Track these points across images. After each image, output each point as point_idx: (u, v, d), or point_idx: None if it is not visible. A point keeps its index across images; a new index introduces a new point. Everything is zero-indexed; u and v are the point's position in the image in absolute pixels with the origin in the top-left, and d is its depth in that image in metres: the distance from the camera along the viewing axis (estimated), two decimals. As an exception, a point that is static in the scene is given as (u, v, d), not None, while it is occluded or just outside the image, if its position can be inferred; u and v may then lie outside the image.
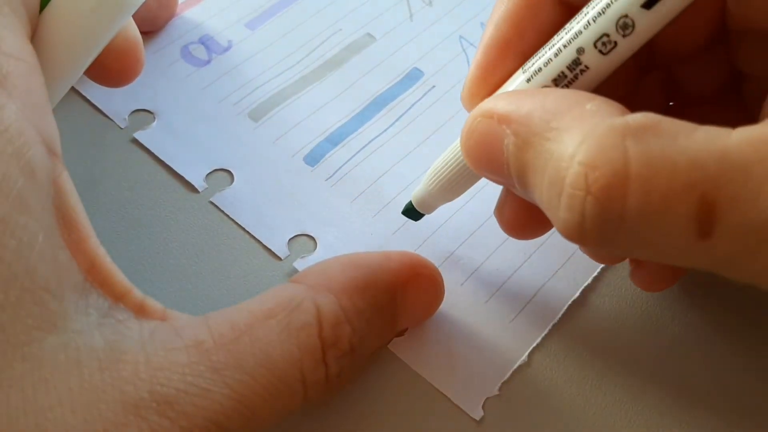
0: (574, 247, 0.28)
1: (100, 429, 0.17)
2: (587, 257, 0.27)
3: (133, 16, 0.24)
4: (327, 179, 0.30)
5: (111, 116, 0.31)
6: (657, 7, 0.19)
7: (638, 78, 0.26)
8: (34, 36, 0.21)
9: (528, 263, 0.28)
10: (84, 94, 0.31)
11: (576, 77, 0.21)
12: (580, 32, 0.21)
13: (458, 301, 0.27)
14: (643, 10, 0.19)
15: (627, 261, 0.27)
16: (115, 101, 0.31)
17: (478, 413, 0.24)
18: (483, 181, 0.25)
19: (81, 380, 0.17)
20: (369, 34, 0.35)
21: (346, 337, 0.21)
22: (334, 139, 0.31)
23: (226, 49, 0.34)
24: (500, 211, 0.25)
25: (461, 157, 0.24)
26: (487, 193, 0.28)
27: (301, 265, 0.27)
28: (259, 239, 0.28)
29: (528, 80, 0.22)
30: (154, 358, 0.18)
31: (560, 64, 0.21)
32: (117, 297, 0.19)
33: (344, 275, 0.22)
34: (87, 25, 0.22)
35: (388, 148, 0.31)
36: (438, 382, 0.25)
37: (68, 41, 0.21)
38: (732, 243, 0.17)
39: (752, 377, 0.26)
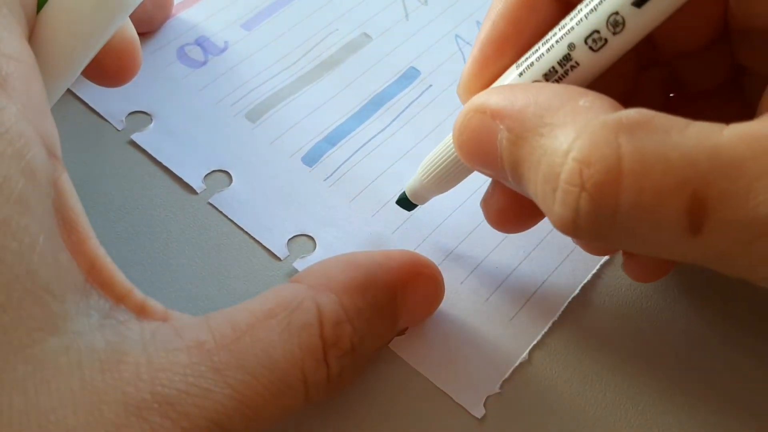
0: (573, 245, 0.28)
1: (101, 430, 0.17)
2: (587, 254, 0.27)
3: (129, 17, 0.24)
4: (325, 179, 0.30)
5: (108, 118, 0.31)
6: (648, 6, 0.19)
7: (639, 73, 0.26)
8: (32, 36, 0.21)
9: (528, 261, 0.28)
10: (81, 96, 0.31)
11: (566, 73, 0.21)
12: (573, 28, 0.21)
13: (459, 299, 0.27)
14: (634, 8, 0.19)
15: (621, 253, 0.27)
16: (111, 103, 0.31)
17: (479, 411, 0.24)
18: (482, 179, 0.25)
19: (82, 381, 0.17)
20: (365, 34, 0.35)
21: (347, 336, 0.21)
22: (332, 139, 0.31)
23: (223, 50, 0.34)
24: (486, 203, 0.26)
25: (454, 151, 0.24)
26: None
27: (300, 265, 0.27)
28: (259, 240, 0.28)
29: (520, 74, 0.22)
30: (156, 358, 0.18)
31: (551, 59, 0.21)
32: (118, 298, 0.19)
33: (344, 275, 0.22)
34: (84, 26, 0.21)
35: (386, 148, 0.31)
36: (439, 380, 0.25)
37: (65, 41, 0.21)
38: (722, 239, 0.17)
39: (753, 376, 0.26)
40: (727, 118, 0.18)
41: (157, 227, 0.28)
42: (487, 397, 0.25)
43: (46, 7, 0.21)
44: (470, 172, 0.25)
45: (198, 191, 0.29)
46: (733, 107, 0.25)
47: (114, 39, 0.24)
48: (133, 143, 0.30)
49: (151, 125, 0.31)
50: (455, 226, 0.29)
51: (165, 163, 0.30)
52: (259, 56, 0.34)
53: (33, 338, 0.17)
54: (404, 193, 0.27)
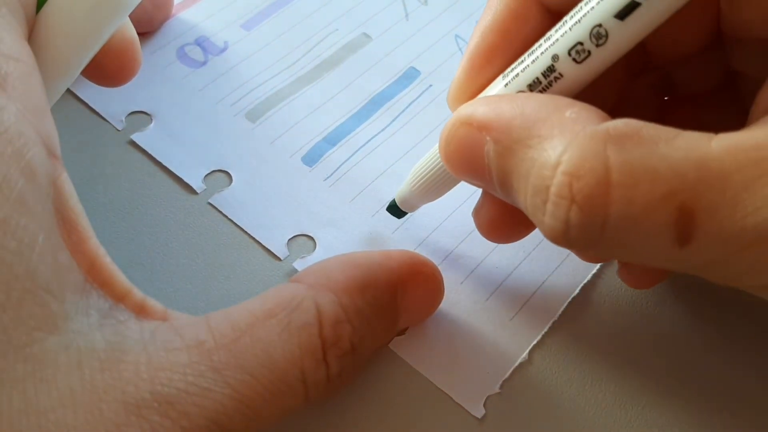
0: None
1: (101, 429, 0.17)
2: (586, 255, 0.27)
3: (129, 17, 0.24)
4: (325, 179, 0.30)
5: (108, 118, 0.31)
6: (630, 19, 0.19)
7: (633, 78, 0.26)
8: (31, 36, 0.21)
9: (527, 261, 0.28)
10: (80, 96, 0.31)
11: (550, 84, 0.21)
12: (557, 40, 0.21)
13: (458, 299, 0.27)
14: (617, 21, 0.20)
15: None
16: (111, 103, 0.31)
17: (479, 411, 0.24)
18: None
19: (82, 381, 0.17)
20: (365, 34, 0.35)
21: (347, 336, 0.21)
22: (332, 139, 0.31)
23: (223, 50, 0.34)
24: (477, 214, 0.26)
25: (441, 161, 0.24)
26: (485, 191, 0.28)
27: (300, 265, 0.27)
28: (259, 240, 0.28)
29: (506, 85, 0.22)
30: (155, 358, 0.18)
31: (536, 70, 0.21)
32: (117, 297, 0.19)
33: (344, 274, 0.22)
34: (84, 25, 0.22)
35: (386, 148, 0.31)
36: (439, 380, 0.25)
37: (65, 41, 0.21)
38: (710, 250, 0.18)
39: (753, 376, 0.26)
40: (724, 119, 0.18)
41: (157, 227, 0.28)
42: (487, 397, 0.25)
43: (46, 7, 0.21)
44: (458, 181, 0.25)
45: (198, 191, 0.29)
46: (730, 108, 0.25)
47: (113, 39, 0.24)
48: (133, 143, 0.30)
49: (151, 125, 0.31)
50: (455, 226, 0.29)
51: (165, 163, 0.30)
52: (259, 56, 0.34)
53: (32, 337, 0.17)
54: (394, 200, 0.28)
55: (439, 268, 0.25)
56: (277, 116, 0.32)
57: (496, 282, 0.27)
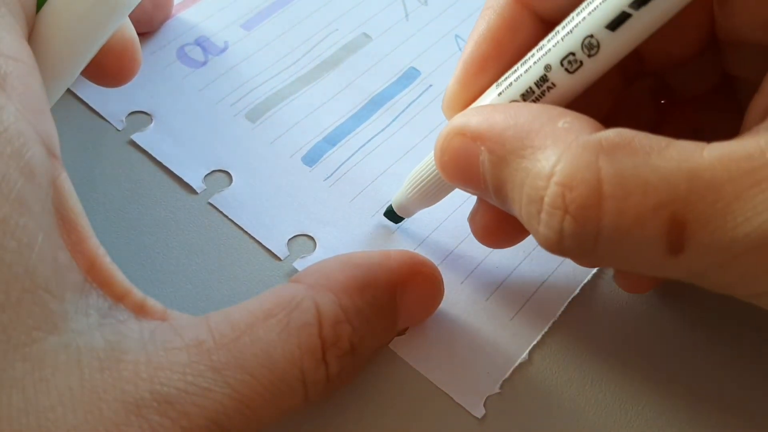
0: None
1: (101, 429, 0.17)
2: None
3: (129, 17, 0.24)
4: (325, 179, 0.30)
5: (108, 118, 0.31)
6: (622, 30, 0.20)
7: (629, 84, 0.26)
8: (31, 36, 0.21)
9: (527, 261, 0.28)
10: (80, 96, 0.31)
11: (543, 93, 0.21)
12: (550, 50, 0.21)
13: (458, 299, 0.27)
14: (609, 32, 0.20)
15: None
16: (111, 103, 0.31)
17: (479, 411, 0.24)
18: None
19: (82, 380, 0.17)
20: (365, 34, 0.35)
21: (347, 336, 0.21)
22: (332, 139, 0.31)
23: (223, 50, 0.34)
24: (473, 219, 0.26)
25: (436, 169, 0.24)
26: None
27: (300, 265, 0.27)
28: (259, 240, 0.28)
29: (499, 94, 0.22)
30: (155, 358, 0.18)
31: (529, 79, 0.21)
32: (117, 297, 0.19)
33: (344, 274, 0.22)
34: (84, 25, 0.22)
35: (386, 148, 0.31)
36: (439, 380, 0.25)
37: (65, 41, 0.21)
38: (702, 260, 0.18)
39: (752, 377, 0.26)
40: (723, 120, 0.18)
41: (157, 227, 0.28)
42: (487, 397, 0.25)
43: (46, 7, 0.21)
44: (454, 188, 0.25)
45: (198, 191, 0.29)
46: (728, 110, 0.25)
47: (113, 39, 0.24)
48: (133, 143, 0.30)
49: (151, 125, 0.31)
50: (455, 226, 0.29)
51: (165, 163, 0.30)
52: (259, 56, 0.34)
53: (32, 337, 0.17)
54: (391, 206, 0.28)
55: (439, 268, 0.25)
56: (277, 116, 0.32)
57: (497, 282, 0.27)
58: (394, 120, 0.32)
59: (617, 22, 0.19)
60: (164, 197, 0.29)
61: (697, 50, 0.24)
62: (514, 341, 0.26)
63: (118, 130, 0.31)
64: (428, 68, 0.34)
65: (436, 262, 0.25)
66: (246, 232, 0.28)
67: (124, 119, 0.31)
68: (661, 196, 0.17)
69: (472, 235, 0.28)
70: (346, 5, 0.36)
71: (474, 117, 0.21)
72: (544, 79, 0.21)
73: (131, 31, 0.25)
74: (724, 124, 0.19)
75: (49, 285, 0.17)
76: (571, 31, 0.20)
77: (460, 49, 0.35)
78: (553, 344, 0.26)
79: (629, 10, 0.19)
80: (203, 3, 0.35)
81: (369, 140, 0.31)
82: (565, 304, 0.27)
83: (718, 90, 0.26)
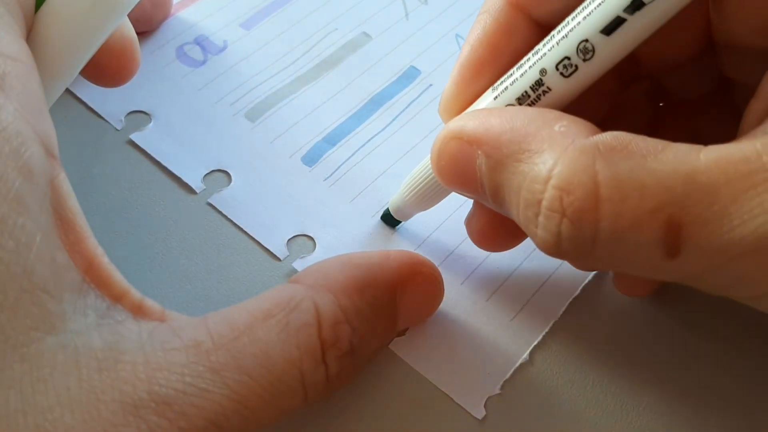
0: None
1: (99, 429, 0.17)
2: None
3: (128, 17, 0.24)
4: (325, 179, 0.30)
5: (107, 118, 0.31)
6: (617, 34, 0.20)
7: (625, 87, 0.26)
8: (30, 36, 0.21)
9: (528, 261, 0.28)
10: (79, 96, 0.31)
11: (539, 97, 0.21)
12: (545, 54, 0.21)
13: (459, 300, 0.27)
14: (604, 36, 0.20)
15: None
16: (110, 103, 0.31)
17: (479, 412, 0.24)
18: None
19: (79, 381, 0.17)
20: (365, 33, 0.35)
21: (346, 336, 0.21)
22: (332, 139, 0.31)
23: (222, 50, 0.34)
24: (469, 223, 0.26)
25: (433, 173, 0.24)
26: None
27: (300, 265, 0.27)
28: (258, 240, 0.28)
29: (495, 98, 0.22)
30: (153, 358, 0.18)
31: (524, 84, 0.22)
32: (115, 297, 0.19)
33: (343, 275, 0.22)
34: (82, 25, 0.21)
35: (386, 148, 0.31)
36: (439, 381, 0.25)
37: (64, 41, 0.21)
38: (698, 262, 0.18)
39: (752, 377, 0.26)
40: (720, 122, 0.18)
41: (156, 227, 0.28)
42: (488, 398, 0.25)
43: (44, 7, 0.21)
44: (451, 191, 0.25)
45: (197, 191, 0.29)
46: (726, 112, 0.25)
47: (112, 38, 0.24)
48: (133, 143, 0.30)
49: (151, 125, 0.31)
50: (455, 226, 0.29)
51: (164, 163, 0.30)
52: (259, 55, 0.34)
53: (30, 337, 0.17)
54: (387, 209, 0.28)
55: (440, 268, 0.25)
56: (276, 116, 0.32)
57: (497, 282, 0.27)
58: (394, 119, 0.32)
59: (612, 26, 0.20)
60: (163, 197, 0.29)
61: (694, 53, 0.24)
62: (514, 342, 0.26)
63: (117, 130, 0.31)
64: (428, 68, 0.34)
65: (436, 262, 0.25)
66: (245, 232, 0.28)
67: (123, 119, 0.31)
68: (657, 199, 0.18)
69: (471, 236, 0.28)
70: (345, 4, 0.36)
71: (470, 121, 0.22)
72: (539, 83, 0.21)
73: (130, 31, 0.25)
74: (721, 127, 0.19)
75: (47, 285, 0.17)
76: (566, 36, 0.21)
77: (460, 49, 0.34)
78: (553, 345, 0.26)
79: (624, 15, 0.19)
80: (202, 2, 0.35)
81: (369, 140, 0.31)
82: (566, 305, 0.27)
83: (715, 93, 0.26)
